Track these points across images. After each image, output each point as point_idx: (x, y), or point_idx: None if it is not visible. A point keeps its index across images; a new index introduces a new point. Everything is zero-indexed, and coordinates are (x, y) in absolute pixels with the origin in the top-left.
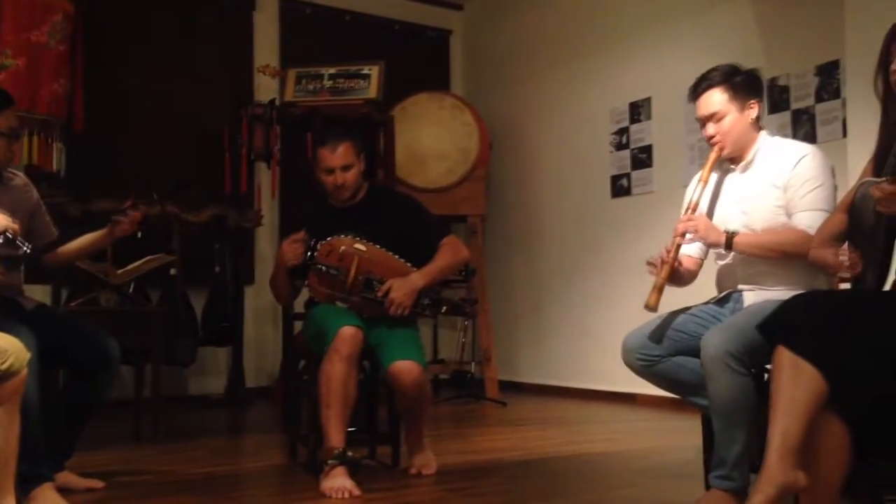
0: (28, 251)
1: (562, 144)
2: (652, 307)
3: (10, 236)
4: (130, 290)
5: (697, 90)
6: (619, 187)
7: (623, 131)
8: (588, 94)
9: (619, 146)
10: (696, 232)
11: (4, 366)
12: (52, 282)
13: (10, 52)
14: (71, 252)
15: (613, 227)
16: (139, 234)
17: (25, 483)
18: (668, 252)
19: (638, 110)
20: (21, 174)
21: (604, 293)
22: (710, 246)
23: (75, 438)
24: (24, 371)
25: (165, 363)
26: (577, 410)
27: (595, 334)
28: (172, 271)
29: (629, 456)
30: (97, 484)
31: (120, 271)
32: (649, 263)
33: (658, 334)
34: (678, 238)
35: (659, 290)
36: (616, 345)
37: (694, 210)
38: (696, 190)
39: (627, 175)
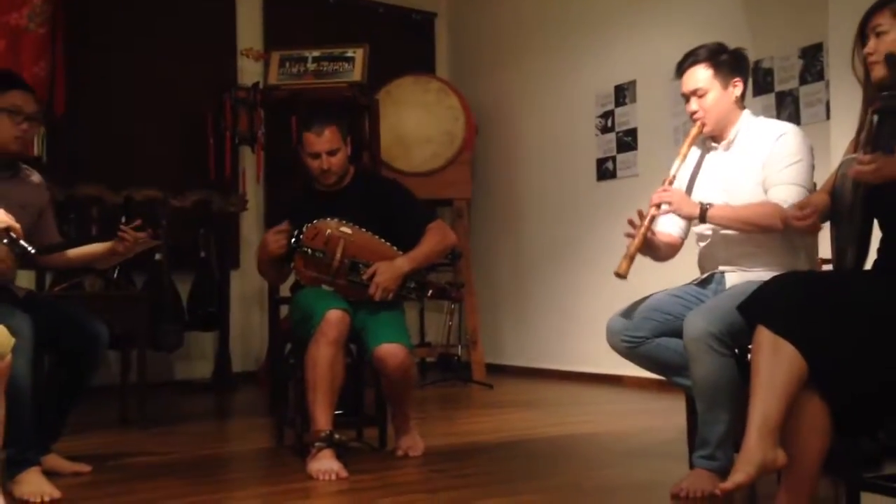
0: (32, 252)
1: (547, 128)
2: (621, 274)
3: (14, 237)
4: (115, 274)
5: (683, 65)
6: (605, 170)
7: (608, 114)
8: (573, 76)
9: (605, 129)
10: (670, 203)
11: None
12: (36, 267)
13: None
14: (71, 259)
15: (598, 210)
16: (157, 256)
17: (12, 466)
18: (642, 220)
19: (623, 93)
20: (37, 173)
21: (589, 276)
22: (684, 217)
23: (62, 422)
24: (9, 357)
25: (151, 348)
26: (562, 393)
27: (580, 317)
28: (158, 256)
29: (612, 437)
30: (84, 468)
31: None
32: (627, 235)
33: (642, 316)
34: (653, 209)
35: (630, 258)
36: (601, 327)
37: (671, 183)
38: (675, 165)
39: (613, 158)
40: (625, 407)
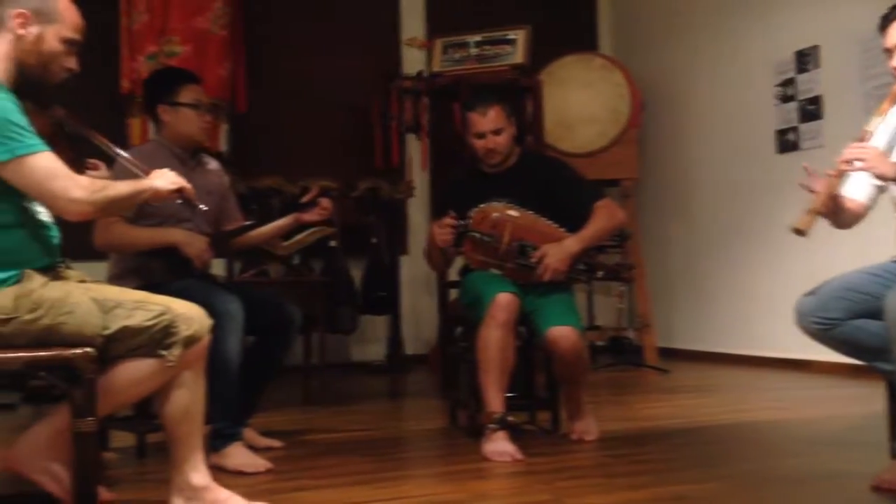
0: (205, 209)
1: (720, 100)
2: (802, 230)
3: (186, 196)
4: (296, 261)
5: (888, 18)
6: (786, 142)
7: (789, 82)
8: (748, 45)
9: (785, 98)
10: (864, 161)
11: (190, 332)
12: (225, 255)
13: (177, 39)
14: (259, 237)
15: (780, 185)
16: (332, 243)
17: (219, 440)
18: (831, 176)
19: (805, 59)
20: (214, 160)
21: (770, 254)
22: (879, 178)
23: (257, 399)
24: (207, 337)
25: (329, 331)
26: (741, 378)
27: (761, 298)
28: (332, 243)
29: (799, 424)
30: (275, 443)
31: (285, 243)
32: (803, 185)
33: (835, 296)
34: (843, 165)
35: (812, 213)
36: (786, 308)
37: (866, 140)
38: (873, 121)
39: (795, 129)
40: (812, 393)
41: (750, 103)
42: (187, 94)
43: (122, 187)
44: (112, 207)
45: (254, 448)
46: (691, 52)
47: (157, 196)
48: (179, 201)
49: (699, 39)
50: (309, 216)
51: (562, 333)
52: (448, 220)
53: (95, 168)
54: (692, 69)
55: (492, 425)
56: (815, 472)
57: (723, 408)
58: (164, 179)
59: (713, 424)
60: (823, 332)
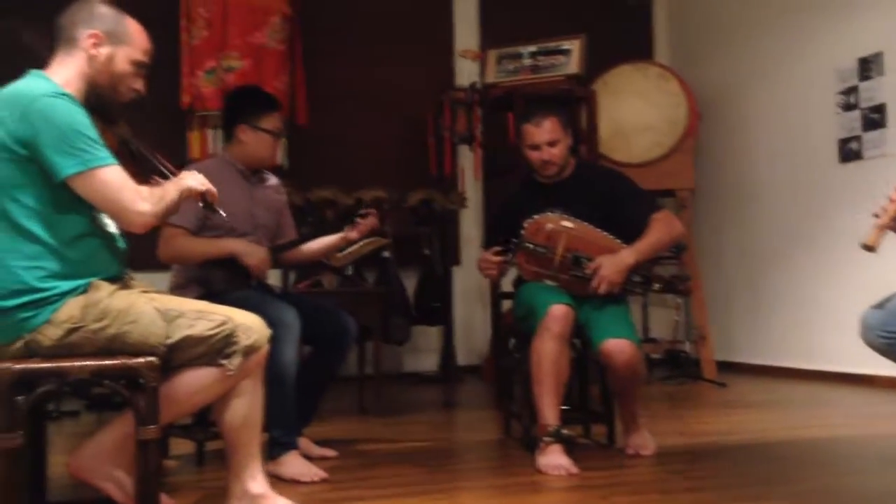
0: (226, 217)
1: (779, 109)
2: (870, 246)
3: (209, 201)
4: (349, 272)
5: None
6: (848, 151)
7: (851, 90)
8: (808, 51)
9: (848, 107)
10: None
11: (250, 341)
12: (280, 266)
13: (236, 55)
14: (308, 253)
15: (842, 195)
16: (385, 254)
17: (276, 448)
18: None
19: (868, 66)
20: (274, 176)
21: (832, 266)
22: None
23: (314, 408)
24: (266, 347)
25: (383, 341)
26: (802, 393)
27: (822, 310)
28: (386, 254)
29: (865, 441)
30: (330, 452)
31: (340, 254)
32: (875, 215)
33: None
34: None
35: (881, 228)
36: (848, 321)
37: None
38: None
39: (858, 138)
40: (877, 409)
41: (811, 112)
42: (270, 121)
43: (171, 192)
44: (167, 214)
45: (308, 457)
46: (749, 61)
47: (190, 194)
48: (201, 204)
49: (758, 47)
50: (356, 233)
51: (617, 346)
52: (494, 258)
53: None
54: (751, 77)
55: (546, 438)
56: (884, 490)
57: (784, 423)
58: (195, 179)
59: (774, 440)
60: (889, 345)
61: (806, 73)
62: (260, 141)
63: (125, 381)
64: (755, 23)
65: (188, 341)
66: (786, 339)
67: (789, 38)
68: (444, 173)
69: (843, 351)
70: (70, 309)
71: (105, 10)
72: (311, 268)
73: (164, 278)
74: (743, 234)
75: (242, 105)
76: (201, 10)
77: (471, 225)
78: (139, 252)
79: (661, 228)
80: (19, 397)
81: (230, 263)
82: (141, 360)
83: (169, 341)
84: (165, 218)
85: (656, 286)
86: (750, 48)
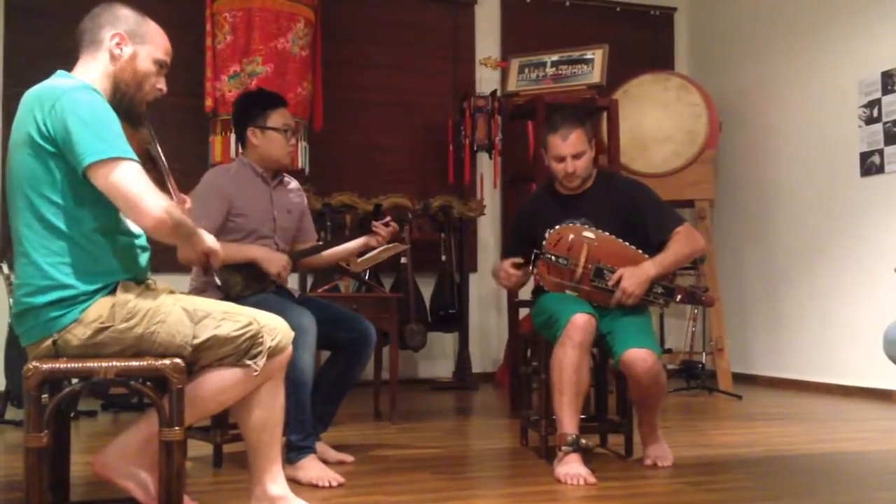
0: (219, 284)
1: (801, 122)
2: None
3: (211, 263)
4: (367, 276)
5: None
6: (870, 165)
7: (874, 103)
8: (831, 64)
9: (870, 120)
10: None
11: (274, 342)
12: (300, 270)
13: (260, 60)
14: (329, 258)
15: (864, 208)
16: (403, 259)
17: (294, 452)
18: None
19: (891, 80)
20: (294, 180)
21: (853, 280)
22: None
23: (332, 413)
24: (290, 349)
25: (399, 347)
26: (821, 406)
27: (842, 325)
28: (403, 259)
29: (887, 456)
30: (347, 457)
31: (360, 259)
32: None
33: None
34: None
35: None
36: (870, 336)
37: None
38: None
39: (880, 151)
40: None
41: (833, 125)
42: (276, 119)
43: (191, 221)
44: (179, 230)
45: (325, 461)
46: (771, 73)
47: (196, 245)
48: (203, 267)
49: (780, 60)
50: (377, 240)
51: (639, 356)
52: (513, 270)
53: (183, 203)
54: (772, 90)
55: (565, 447)
56: None
57: (804, 437)
58: (210, 238)
59: (794, 454)
60: None
61: (828, 85)
62: (270, 140)
63: (151, 383)
64: (777, 35)
65: (215, 341)
66: (804, 351)
67: (812, 51)
68: (463, 181)
69: (861, 365)
70: (99, 308)
71: (127, 12)
72: (328, 272)
73: (184, 280)
74: (762, 245)
75: (247, 109)
76: (226, 15)
77: (488, 232)
78: (160, 254)
79: (684, 242)
80: (45, 396)
81: (249, 267)
82: (167, 361)
83: (195, 341)
84: (176, 236)
85: (678, 297)
86: (772, 60)
